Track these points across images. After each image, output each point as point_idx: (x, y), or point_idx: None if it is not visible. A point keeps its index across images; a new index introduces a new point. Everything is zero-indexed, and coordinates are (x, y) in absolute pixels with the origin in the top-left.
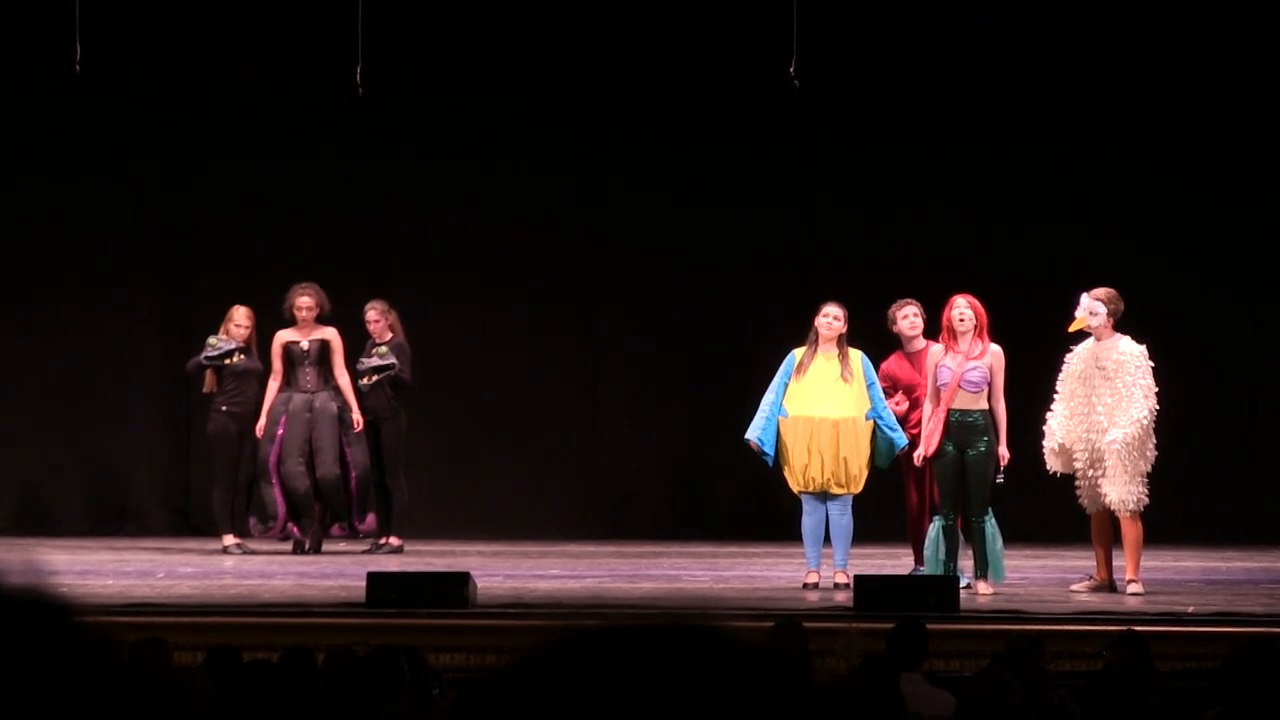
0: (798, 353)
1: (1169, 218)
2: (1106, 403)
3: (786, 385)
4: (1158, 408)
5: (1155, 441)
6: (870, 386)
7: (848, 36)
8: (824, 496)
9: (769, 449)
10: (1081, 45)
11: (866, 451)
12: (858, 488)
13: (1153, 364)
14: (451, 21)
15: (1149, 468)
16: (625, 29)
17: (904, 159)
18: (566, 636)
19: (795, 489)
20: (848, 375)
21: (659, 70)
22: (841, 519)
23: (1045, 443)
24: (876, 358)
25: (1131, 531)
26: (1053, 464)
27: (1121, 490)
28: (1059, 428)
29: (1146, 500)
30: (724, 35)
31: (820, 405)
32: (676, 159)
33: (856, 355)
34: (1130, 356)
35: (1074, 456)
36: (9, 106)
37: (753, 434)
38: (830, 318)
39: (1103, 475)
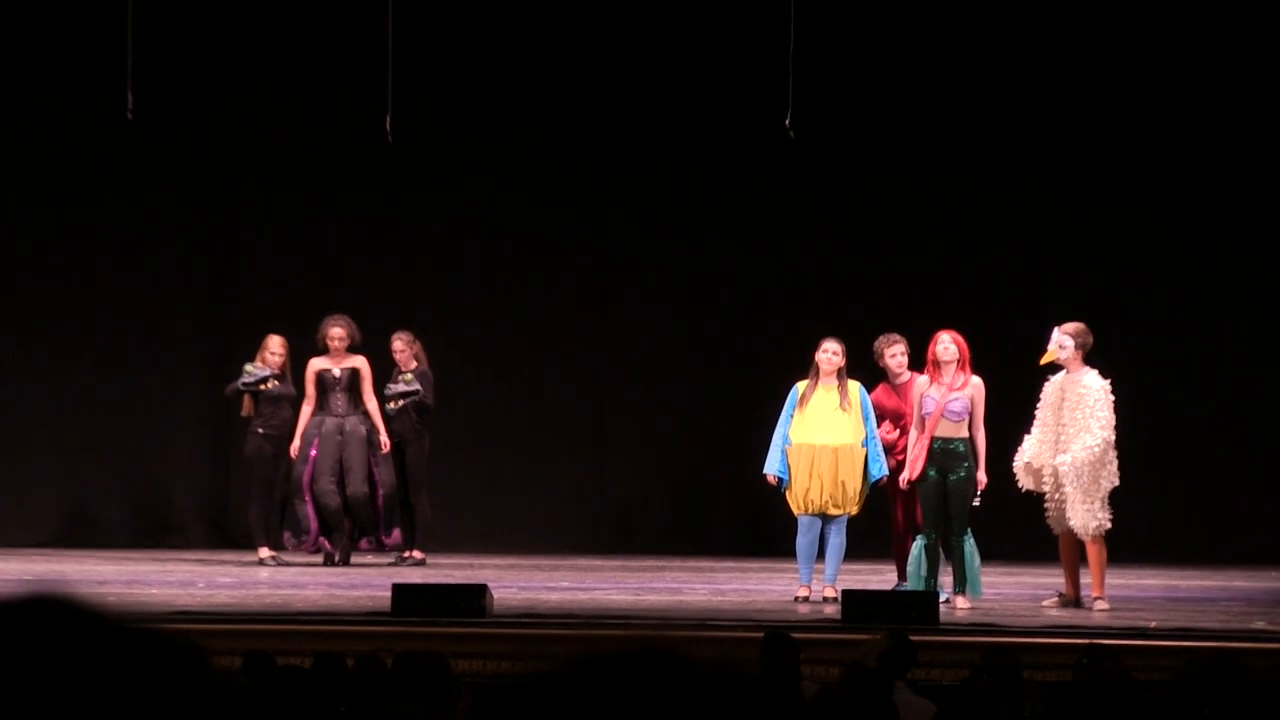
0: (800, 385)
1: (1138, 260)
2: (1069, 431)
3: (792, 417)
4: (1113, 438)
5: (1115, 468)
6: (866, 418)
7: (840, 91)
8: (821, 517)
9: (785, 477)
10: (1054, 99)
11: (862, 475)
12: (854, 509)
13: (1114, 397)
14: (472, 75)
15: (1105, 493)
16: (634, 84)
17: (893, 204)
18: (570, 662)
19: (795, 510)
20: (846, 405)
21: (665, 121)
22: (836, 537)
23: (1016, 460)
24: (865, 388)
25: (1095, 553)
26: (1023, 481)
27: (1083, 515)
28: (1030, 449)
29: (1108, 525)
30: (725, 89)
31: (821, 433)
32: (683, 201)
33: (855, 386)
34: (1091, 390)
35: (1043, 478)
36: (69, 152)
37: (770, 468)
38: (830, 353)
39: (1064, 499)
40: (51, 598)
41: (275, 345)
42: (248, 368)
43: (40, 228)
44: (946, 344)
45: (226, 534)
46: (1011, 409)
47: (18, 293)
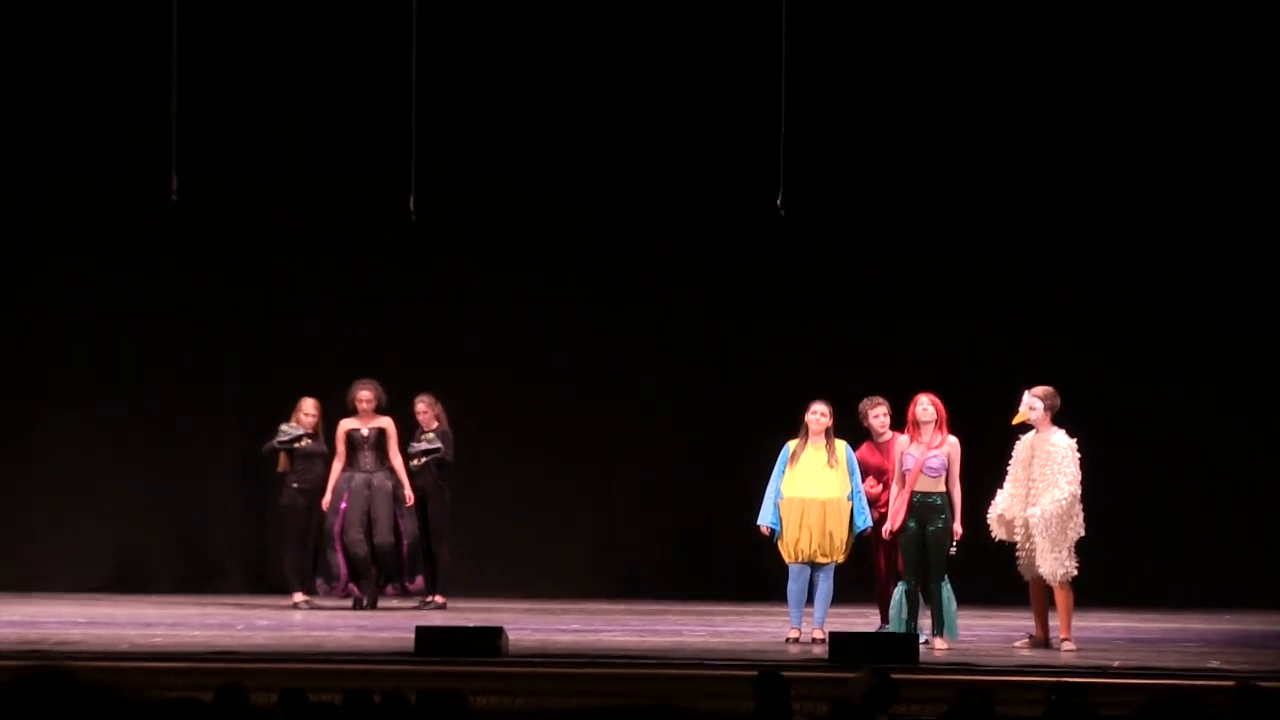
0: (791, 444)
1: (1100, 331)
2: (1038, 486)
3: (784, 473)
4: (1079, 492)
5: (1081, 520)
6: (852, 474)
7: (827, 175)
8: (810, 565)
9: (777, 529)
10: (1024, 188)
11: (848, 527)
12: (841, 557)
13: (1080, 455)
14: (488, 162)
15: (1071, 543)
16: (640, 168)
17: (877, 278)
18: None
19: (786, 559)
20: (833, 462)
21: (669, 202)
22: (824, 584)
23: (990, 511)
24: (851, 447)
25: (1063, 598)
26: (996, 531)
27: (1051, 563)
28: (1002, 502)
29: (1075, 572)
30: (723, 174)
31: (811, 488)
32: (684, 275)
33: (841, 445)
34: (1058, 448)
35: (1014, 529)
36: (121, 230)
37: (763, 520)
38: (818, 414)
39: (1034, 549)
40: (53, 674)
41: (308, 407)
42: (283, 427)
43: (96, 300)
44: (925, 406)
45: (264, 580)
46: (985, 465)
47: (77, 362)
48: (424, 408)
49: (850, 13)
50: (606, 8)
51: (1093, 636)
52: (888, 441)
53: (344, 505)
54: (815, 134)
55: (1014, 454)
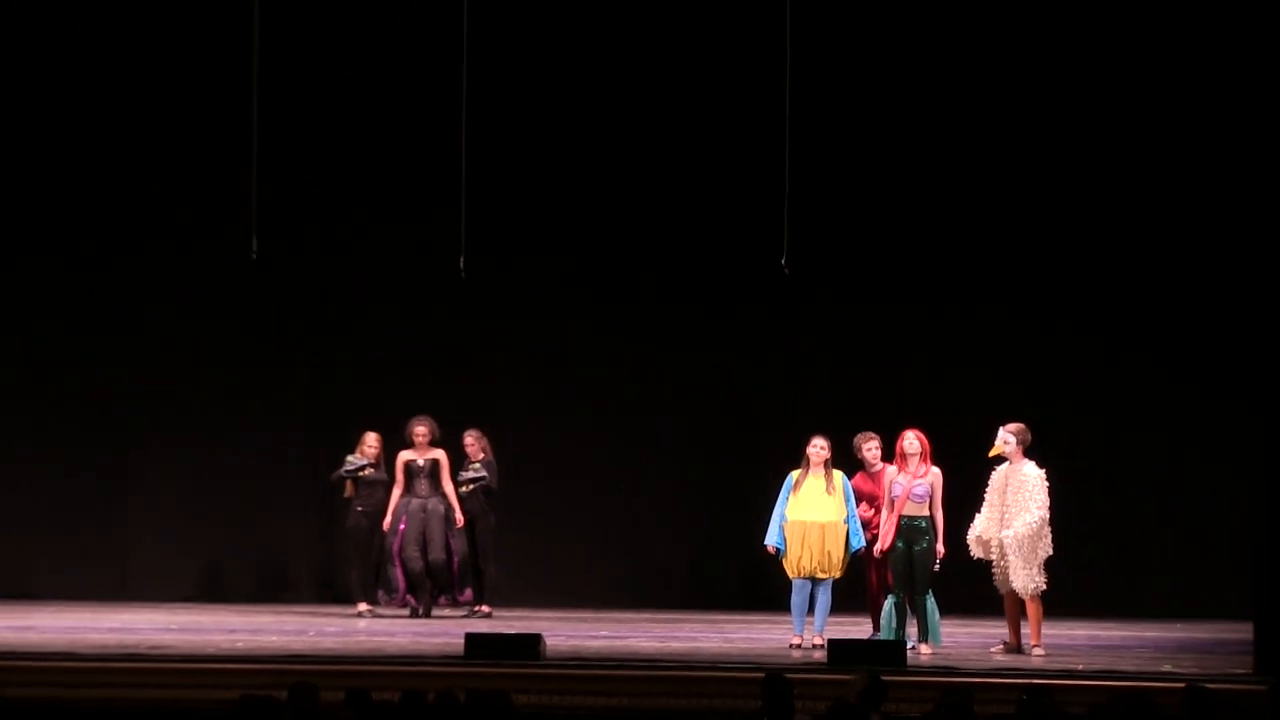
0: (794, 474)
1: (1066, 373)
2: (1011, 510)
3: (788, 498)
4: (1048, 515)
5: (1050, 540)
6: (847, 500)
7: (828, 237)
8: (810, 579)
9: (782, 548)
10: (1005, 240)
11: (844, 546)
12: (838, 573)
13: (1049, 483)
14: (528, 231)
15: (1041, 560)
16: (656, 233)
17: (870, 326)
18: None
19: (790, 574)
20: (831, 490)
21: (683, 261)
22: (823, 596)
23: (969, 533)
24: (847, 476)
25: (1033, 609)
26: (975, 550)
27: (1023, 578)
28: (980, 525)
29: (1044, 586)
30: (733, 237)
31: (811, 512)
32: (699, 324)
33: (839, 475)
34: (1029, 478)
35: (990, 548)
36: (208, 284)
37: (769, 540)
38: (818, 447)
39: (1008, 566)
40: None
41: (371, 440)
42: (349, 458)
43: (188, 347)
44: (911, 440)
45: (331, 591)
46: (965, 493)
47: (171, 401)
48: (472, 441)
49: (849, 74)
50: (622, 76)
51: (1060, 643)
52: (879, 471)
53: (402, 526)
54: (816, 195)
55: (990, 482)
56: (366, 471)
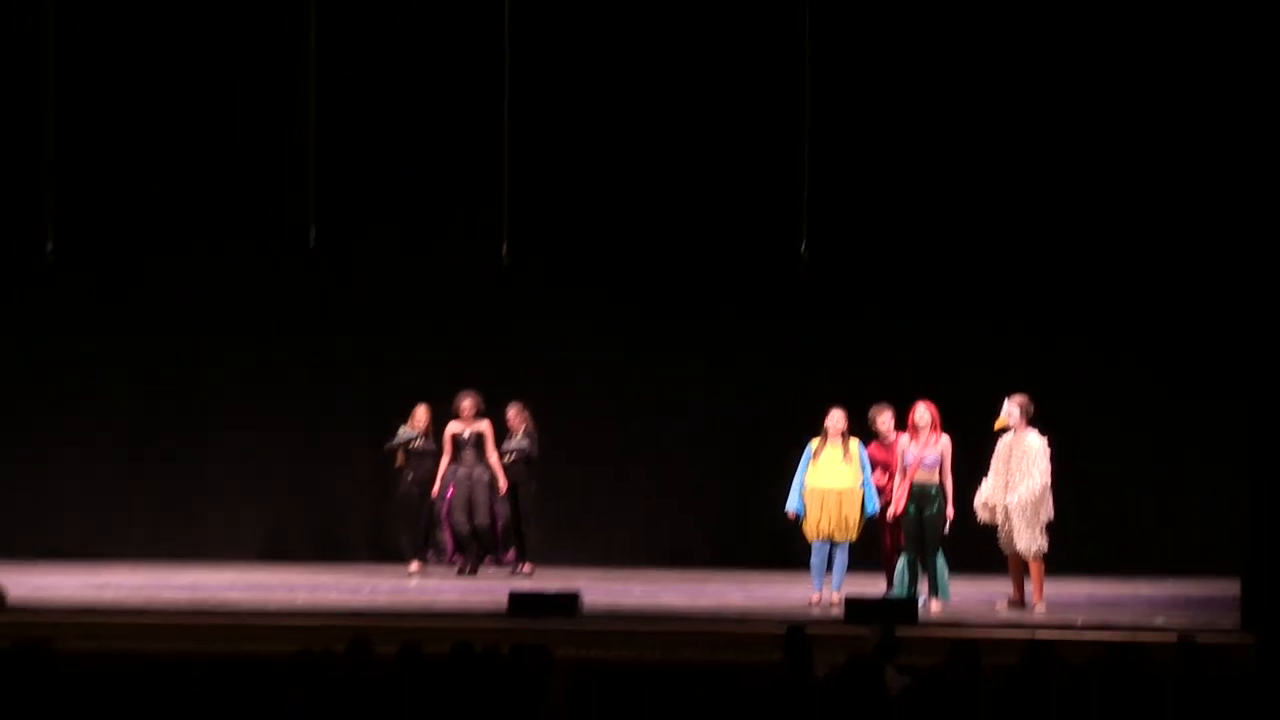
0: (814, 443)
1: (1067, 354)
2: (1015, 477)
3: (808, 466)
4: (1050, 482)
5: (1051, 505)
6: (863, 467)
7: (847, 227)
8: (829, 541)
9: (802, 513)
10: (1012, 234)
11: (860, 511)
12: (854, 536)
13: (1051, 450)
14: (569, 234)
15: (1043, 524)
16: (684, 235)
17: (885, 308)
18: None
19: (809, 537)
20: (848, 458)
21: (708, 260)
22: (840, 557)
23: (976, 499)
24: (863, 445)
25: (1036, 569)
26: (981, 515)
27: (1026, 540)
28: (986, 490)
29: (1046, 548)
30: (754, 230)
31: (829, 479)
32: (725, 306)
33: (855, 443)
34: (1033, 446)
35: (996, 513)
36: (267, 273)
37: (790, 506)
38: (835, 419)
39: (1012, 529)
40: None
41: (421, 413)
42: (401, 430)
43: (255, 334)
44: (923, 412)
45: (385, 552)
46: (972, 460)
47: (241, 382)
48: (514, 414)
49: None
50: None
51: (1060, 600)
52: (892, 441)
53: (450, 493)
54: (833, 193)
55: (996, 451)
56: (417, 443)
